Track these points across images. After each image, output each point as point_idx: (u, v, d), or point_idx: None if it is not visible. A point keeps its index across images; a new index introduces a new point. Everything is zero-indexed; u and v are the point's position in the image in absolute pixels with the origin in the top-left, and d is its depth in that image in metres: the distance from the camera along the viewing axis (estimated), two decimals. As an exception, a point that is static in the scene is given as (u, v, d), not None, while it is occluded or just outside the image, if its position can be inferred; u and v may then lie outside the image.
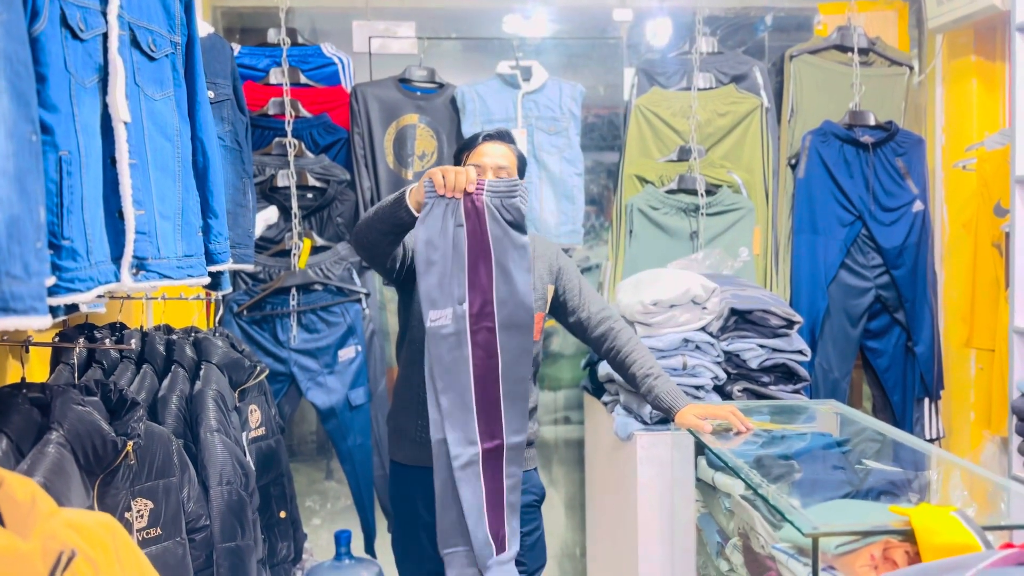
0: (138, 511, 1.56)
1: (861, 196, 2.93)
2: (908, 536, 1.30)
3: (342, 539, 2.73)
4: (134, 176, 1.42)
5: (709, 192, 2.89)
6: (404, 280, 1.99)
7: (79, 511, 1.10)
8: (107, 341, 1.78)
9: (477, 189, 1.70)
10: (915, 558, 1.30)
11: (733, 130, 2.96)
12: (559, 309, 2.08)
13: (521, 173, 2.04)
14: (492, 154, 1.96)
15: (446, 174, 1.68)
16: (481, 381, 1.71)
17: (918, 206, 2.95)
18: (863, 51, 3.03)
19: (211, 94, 2.03)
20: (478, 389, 1.70)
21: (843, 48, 3.04)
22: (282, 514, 2.18)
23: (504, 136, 2.02)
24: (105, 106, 1.40)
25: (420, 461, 1.95)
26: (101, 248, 1.38)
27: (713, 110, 2.96)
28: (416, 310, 1.97)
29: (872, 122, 2.97)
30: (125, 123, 1.41)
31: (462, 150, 2.03)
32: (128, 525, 1.54)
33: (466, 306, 1.69)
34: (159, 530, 1.60)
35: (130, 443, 1.48)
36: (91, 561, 1.05)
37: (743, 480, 1.57)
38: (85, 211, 1.33)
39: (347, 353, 2.81)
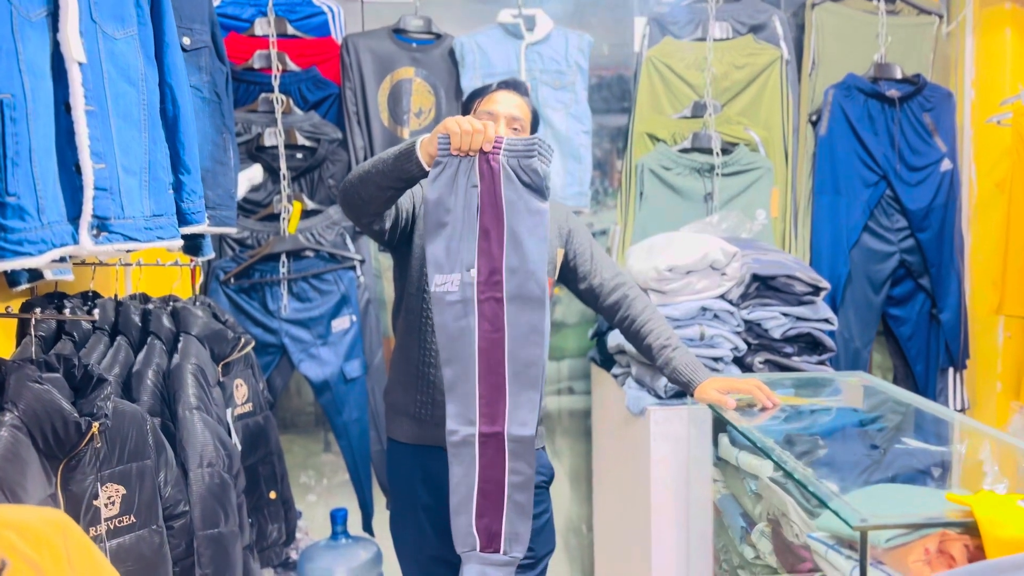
0: (108, 498, 1.42)
1: (886, 154, 2.76)
2: (968, 528, 1.16)
3: (338, 518, 2.62)
4: (92, 125, 1.26)
5: (725, 151, 2.72)
6: (398, 244, 1.83)
7: (22, 508, 0.96)
8: (67, 311, 1.62)
9: (494, 148, 1.55)
10: (975, 552, 1.16)
11: (751, 84, 2.78)
12: (569, 275, 1.92)
13: (534, 129, 1.88)
14: (506, 103, 1.81)
15: (463, 131, 1.52)
16: (485, 356, 1.57)
17: (946, 165, 2.79)
18: (889, -1, 2.84)
19: (187, 40, 1.85)
20: (482, 364, 1.57)
21: (868, -5, 2.86)
22: (272, 495, 2.05)
23: (520, 87, 1.88)
24: (56, 44, 1.23)
25: (419, 439, 1.82)
26: (55, 206, 1.22)
27: (730, 62, 2.77)
28: (413, 277, 1.83)
29: (899, 75, 2.79)
30: (80, 64, 1.24)
31: (474, 97, 1.88)
32: (97, 513, 1.40)
33: (474, 273, 1.55)
34: (133, 518, 1.46)
35: (96, 424, 1.34)
36: (33, 565, 0.90)
37: (774, 462, 1.43)
38: (35, 163, 1.18)
39: (341, 323, 2.67)
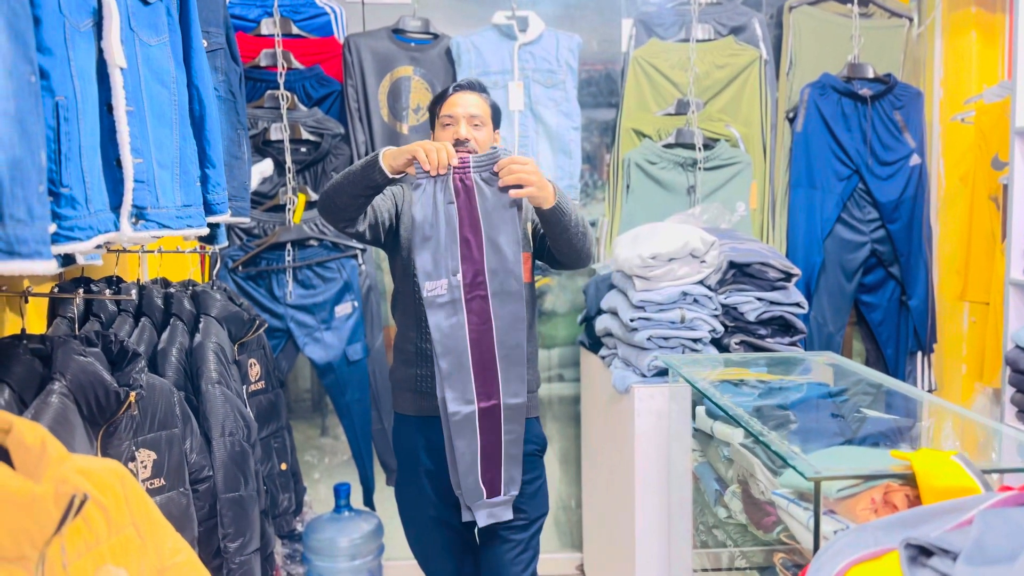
0: (141, 462, 1.56)
1: (858, 150, 2.92)
2: (909, 480, 1.31)
3: (341, 492, 2.76)
4: (131, 124, 1.39)
5: (707, 146, 2.87)
6: (386, 240, 2.03)
7: (87, 457, 1.10)
8: (106, 292, 1.77)
9: (463, 165, 1.77)
10: (915, 501, 1.31)
11: (731, 83, 2.93)
12: (536, 242, 2.06)
13: (496, 122, 2.06)
14: (464, 104, 1.98)
15: (428, 153, 1.74)
16: (477, 345, 1.80)
17: (915, 160, 2.95)
18: (862, 2, 3.00)
19: (204, 43, 1.98)
20: (474, 353, 1.80)
21: (842, -1, 3.01)
22: (283, 466, 2.20)
23: (475, 86, 2.04)
24: (100, 51, 1.37)
25: (422, 411, 1.97)
26: (100, 197, 1.36)
27: (711, 62, 2.93)
28: (403, 266, 2.01)
29: (871, 75, 2.95)
30: (121, 69, 1.38)
31: (435, 102, 2.05)
32: (133, 475, 1.54)
33: (459, 277, 1.78)
34: (163, 480, 1.60)
35: (132, 394, 1.48)
36: (101, 506, 1.05)
37: (744, 428, 1.58)
38: (83, 158, 1.31)
39: (344, 309, 2.81)
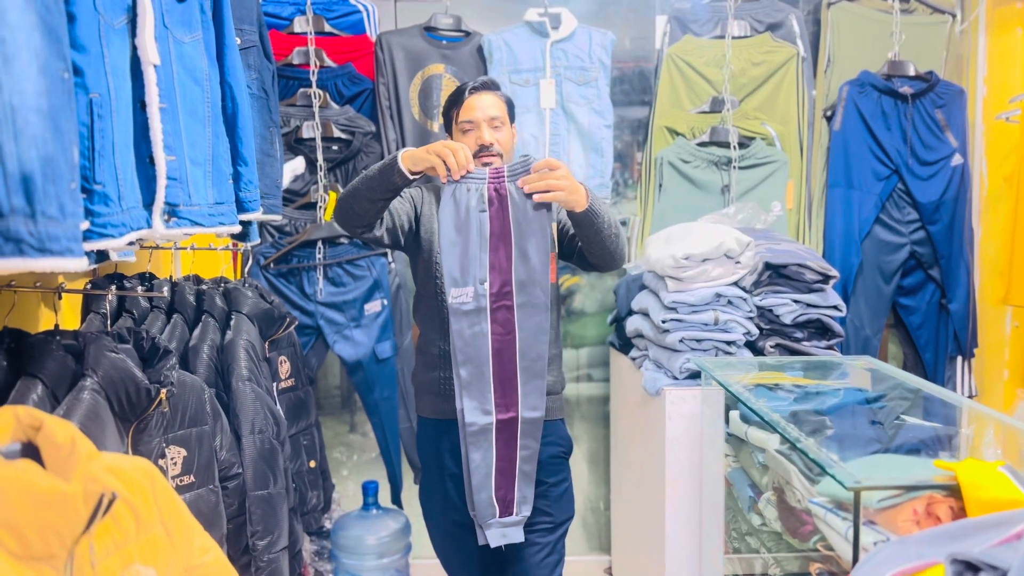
0: (172, 458, 1.57)
1: (898, 149, 2.86)
2: (953, 491, 1.27)
3: (370, 490, 2.76)
4: (164, 121, 1.40)
5: (742, 145, 2.82)
6: (406, 243, 2.02)
7: (117, 456, 1.10)
8: (139, 289, 1.77)
9: (498, 176, 1.77)
10: (959, 513, 1.27)
11: (768, 80, 2.88)
12: (563, 243, 2.03)
13: (511, 117, 2.04)
14: (482, 106, 1.96)
15: (446, 159, 1.74)
16: (498, 355, 1.79)
17: (957, 160, 2.87)
18: (903, -2, 2.93)
19: (237, 40, 1.99)
20: (496, 362, 1.79)
21: (883, -5, 2.95)
22: (312, 464, 2.20)
23: (489, 85, 2.02)
24: (134, 48, 1.37)
25: (445, 414, 1.96)
26: (133, 194, 1.36)
27: (747, 59, 2.88)
28: (424, 268, 2.00)
29: (911, 72, 2.88)
30: (155, 66, 1.38)
31: (450, 106, 2.02)
32: (162, 472, 1.54)
33: (486, 285, 1.77)
34: (192, 477, 1.61)
35: (163, 391, 1.48)
36: (130, 505, 1.05)
37: (780, 434, 1.55)
38: (116, 155, 1.31)
39: (373, 307, 2.81)
